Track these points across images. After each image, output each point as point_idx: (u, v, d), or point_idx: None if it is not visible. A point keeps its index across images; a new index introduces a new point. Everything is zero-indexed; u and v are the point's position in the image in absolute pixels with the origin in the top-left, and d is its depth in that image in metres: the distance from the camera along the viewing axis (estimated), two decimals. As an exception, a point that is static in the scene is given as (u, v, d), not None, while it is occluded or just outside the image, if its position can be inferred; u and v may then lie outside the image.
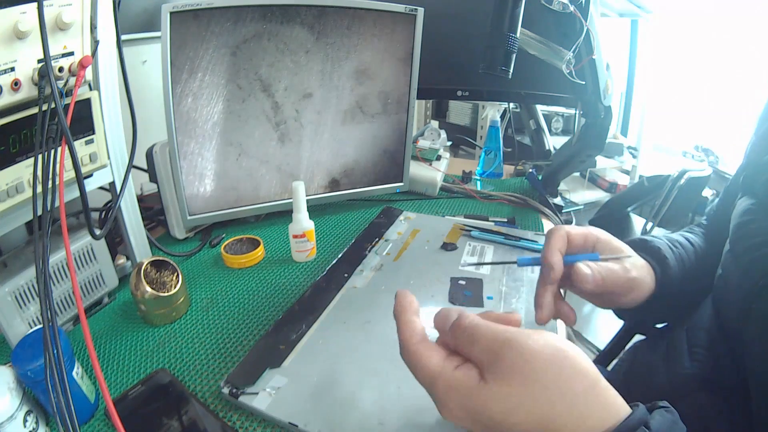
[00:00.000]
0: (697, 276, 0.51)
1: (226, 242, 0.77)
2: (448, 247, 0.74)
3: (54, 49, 0.47)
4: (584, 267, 0.42)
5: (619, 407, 0.27)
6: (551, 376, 0.27)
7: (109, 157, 0.59)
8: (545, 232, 0.83)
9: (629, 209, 2.09)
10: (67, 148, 0.45)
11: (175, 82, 0.67)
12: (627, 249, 0.47)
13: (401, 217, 0.86)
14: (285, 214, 0.83)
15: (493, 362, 0.28)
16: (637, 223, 2.04)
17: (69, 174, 0.48)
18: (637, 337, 0.69)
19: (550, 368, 0.27)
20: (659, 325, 0.61)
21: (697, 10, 2.26)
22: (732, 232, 0.45)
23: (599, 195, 2.43)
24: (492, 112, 1.13)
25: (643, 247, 0.52)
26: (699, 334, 0.48)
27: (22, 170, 0.47)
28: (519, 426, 0.27)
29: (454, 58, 1.01)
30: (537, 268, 0.46)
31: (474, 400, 0.28)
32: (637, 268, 0.47)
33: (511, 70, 0.63)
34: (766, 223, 0.41)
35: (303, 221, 0.72)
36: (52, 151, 0.44)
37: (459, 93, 1.06)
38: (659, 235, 0.54)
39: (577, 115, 0.87)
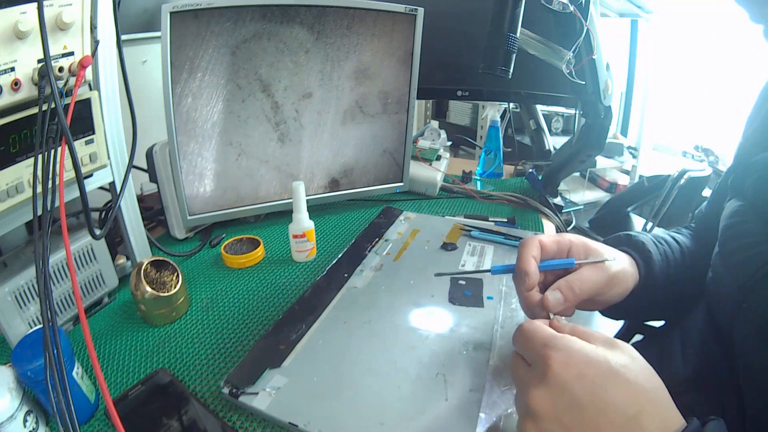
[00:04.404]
0: (684, 275, 0.50)
1: (226, 242, 0.77)
2: (448, 247, 0.74)
3: (54, 49, 0.47)
4: (550, 295, 0.43)
5: (676, 418, 0.31)
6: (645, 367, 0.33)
7: (109, 157, 0.59)
8: (543, 232, 0.84)
9: (629, 209, 2.09)
10: (67, 148, 0.45)
11: (175, 82, 0.67)
12: (604, 249, 0.47)
13: (401, 217, 0.86)
14: (285, 214, 0.83)
15: (609, 345, 0.34)
16: (637, 223, 2.04)
17: (69, 174, 0.48)
18: (636, 338, 0.69)
19: (642, 362, 0.33)
20: (656, 325, 0.60)
21: (698, 10, 2.25)
22: (721, 233, 0.45)
23: (599, 195, 2.44)
24: (492, 112, 1.13)
25: (627, 242, 0.52)
26: (692, 335, 0.48)
27: (22, 170, 0.47)
28: (624, 385, 0.31)
29: (454, 58, 1.01)
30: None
31: (596, 351, 0.33)
32: (617, 264, 0.46)
33: (511, 70, 0.63)
34: (754, 224, 0.41)
35: (303, 221, 0.72)
36: (52, 151, 0.44)
37: (459, 93, 1.06)
38: (644, 233, 0.54)
39: (577, 115, 0.87)
